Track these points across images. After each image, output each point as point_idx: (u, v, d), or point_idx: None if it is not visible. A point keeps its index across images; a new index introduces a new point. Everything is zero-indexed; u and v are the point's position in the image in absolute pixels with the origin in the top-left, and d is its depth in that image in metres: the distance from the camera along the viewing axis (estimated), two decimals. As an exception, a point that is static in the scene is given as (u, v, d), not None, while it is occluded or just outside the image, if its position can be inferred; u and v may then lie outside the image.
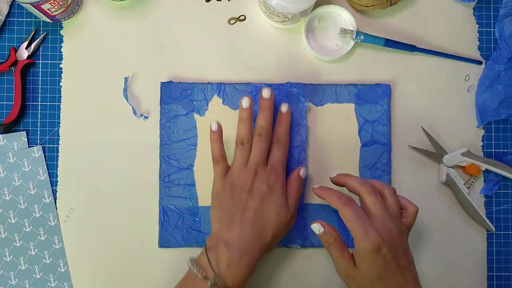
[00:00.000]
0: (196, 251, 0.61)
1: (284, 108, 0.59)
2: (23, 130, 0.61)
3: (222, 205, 0.55)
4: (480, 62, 0.64)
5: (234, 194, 0.55)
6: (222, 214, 0.55)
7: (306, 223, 0.61)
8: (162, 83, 0.62)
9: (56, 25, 0.62)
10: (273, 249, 0.56)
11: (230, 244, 0.52)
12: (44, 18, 0.60)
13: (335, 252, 0.52)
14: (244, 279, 0.52)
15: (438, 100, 0.64)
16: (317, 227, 0.52)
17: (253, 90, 0.62)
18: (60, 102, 0.62)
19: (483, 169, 0.62)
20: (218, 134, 0.57)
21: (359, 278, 0.50)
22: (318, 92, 0.62)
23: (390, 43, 0.62)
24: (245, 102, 0.57)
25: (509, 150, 0.64)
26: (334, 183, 0.57)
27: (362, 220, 0.50)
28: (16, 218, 0.61)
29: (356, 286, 0.51)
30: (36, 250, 0.61)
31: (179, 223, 0.61)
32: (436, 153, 0.62)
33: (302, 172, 0.58)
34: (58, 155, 0.61)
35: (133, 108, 0.62)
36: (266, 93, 0.58)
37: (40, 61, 0.62)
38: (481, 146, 0.64)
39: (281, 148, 0.58)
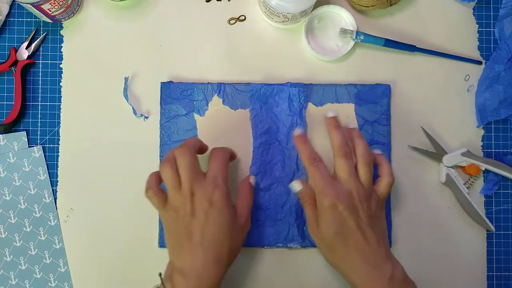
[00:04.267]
0: (196, 251, 0.61)
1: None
2: (23, 130, 0.61)
3: (171, 233, 0.53)
4: (480, 62, 0.64)
5: (178, 219, 0.51)
6: (172, 242, 0.52)
7: (305, 223, 0.61)
8: (162, 83, 0.62)
9: (56, 25, 0.62)
10: (235, 259, 0.54)
11: (185, 273, 0.50)
12: (44, 18, 0.60)
13: (308, 210, 0.56)
14: None
15: (438, 100, 0.64)
16: (295, 185, 0.56)
17: (253, 90, 0.62)
18: (60, 102, 0.62)
19: (483, 169, 0.62)
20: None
21: (321, 235, 0.53)
22: (318, 92, 0.62)
23: (390, 43, 0.62)
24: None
25: (509, 150, 0.64)
26: (326, 123, 0.57)
27: (324, 179, 0.53)
28: (16, 218, 0.61)
29: (321, 243, 0.55)
30: (36, 250, 0.61)
31: (179, 223, 0.60)
32: (436, 153, 0.62)
33: (251, 179, 0.59)
34: (58, 155, 0.61)
35: (133, 108, 0.62)
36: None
37: (40, 61, 0.62)
38: (481, 146, 0.64)
39: (218, 160, 0.54)
